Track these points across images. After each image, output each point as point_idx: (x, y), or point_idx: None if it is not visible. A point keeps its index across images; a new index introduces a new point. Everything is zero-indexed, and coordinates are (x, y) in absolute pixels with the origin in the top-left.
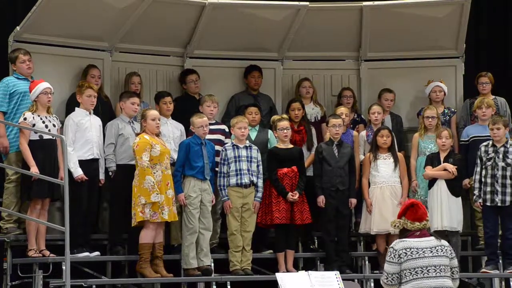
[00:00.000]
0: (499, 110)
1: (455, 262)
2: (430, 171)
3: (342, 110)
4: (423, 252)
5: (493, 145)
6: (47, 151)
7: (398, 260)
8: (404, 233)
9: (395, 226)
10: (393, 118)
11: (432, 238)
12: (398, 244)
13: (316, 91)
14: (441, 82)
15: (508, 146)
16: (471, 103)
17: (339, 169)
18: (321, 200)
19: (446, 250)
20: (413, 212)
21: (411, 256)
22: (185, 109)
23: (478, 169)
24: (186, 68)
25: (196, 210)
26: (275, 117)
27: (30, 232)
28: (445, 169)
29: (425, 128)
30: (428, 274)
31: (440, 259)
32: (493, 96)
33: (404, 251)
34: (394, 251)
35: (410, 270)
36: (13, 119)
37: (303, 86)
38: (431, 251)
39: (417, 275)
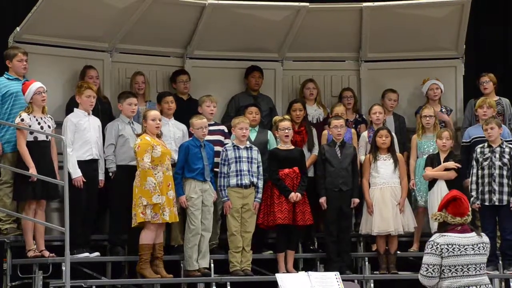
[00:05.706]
0: (503, 111)
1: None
2: (430, 171)
3: (337, 110)
4: (465, 249)
5: (489, 146)
6: (41, 152)
7: (440, 254)
8: (444, 226)
9: (435, 219)
10: (396, 119)
11: (474, 234)
12: (440, 239)
13: (320, 93)
14: (437, 80)
15: (504, 146)
16: (475, 103)
17: (342, 170)
18: (323, 201)
19: (486, 248)
20: (455, 207)
21: (453, 252)
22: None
23: (475, 170)
24: (181, 68)
25: (198, 211)
26: (276, 117)
27: (27, 233)
28: (445, 169)
29: (423, 128)
30: (468, 272)
31: (481, 257)
32: (497, 97)
33: (446, 246)
34: (436, 244)
35: (449, 267)
36: (7, 120)
37: (307, 87)
38: (473, 249)
39: (456, 273)
